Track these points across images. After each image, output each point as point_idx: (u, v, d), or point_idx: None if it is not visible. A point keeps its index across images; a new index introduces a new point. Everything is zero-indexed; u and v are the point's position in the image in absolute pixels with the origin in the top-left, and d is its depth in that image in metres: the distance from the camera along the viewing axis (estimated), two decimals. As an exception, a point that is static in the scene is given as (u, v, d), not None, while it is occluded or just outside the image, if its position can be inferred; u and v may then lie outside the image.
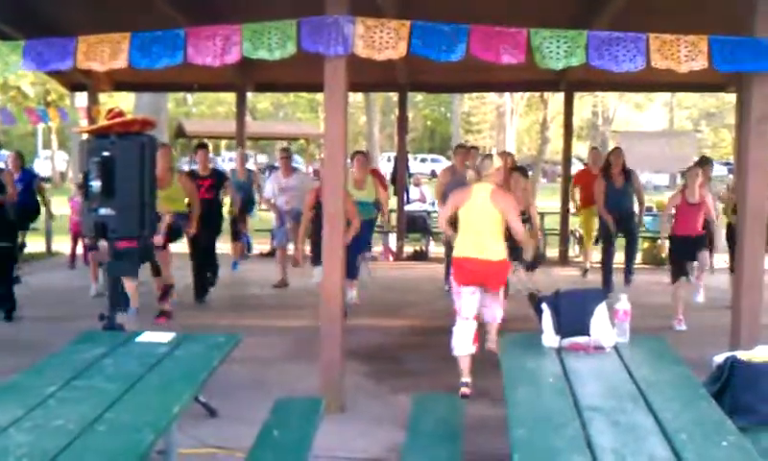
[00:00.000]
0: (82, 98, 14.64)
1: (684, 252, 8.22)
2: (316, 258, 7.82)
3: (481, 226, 5.79)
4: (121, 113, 5.42)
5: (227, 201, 11.05)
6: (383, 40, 5.09)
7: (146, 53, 5.19)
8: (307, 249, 8.37)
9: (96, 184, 5.07)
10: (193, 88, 16.38)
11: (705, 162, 9.76)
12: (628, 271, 10.12)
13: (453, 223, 6.07)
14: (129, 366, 3.71)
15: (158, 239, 7.59)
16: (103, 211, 5.12)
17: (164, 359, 3.84)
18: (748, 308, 5.36)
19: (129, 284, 6.96)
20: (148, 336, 4.25)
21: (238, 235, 11.80)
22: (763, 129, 5.28)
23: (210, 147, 11.41)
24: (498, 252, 5.82)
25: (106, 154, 5.11)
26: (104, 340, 4.26)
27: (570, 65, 5.07)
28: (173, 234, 8.07)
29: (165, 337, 4.20)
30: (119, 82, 12.68)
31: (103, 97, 13.81)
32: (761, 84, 5.24)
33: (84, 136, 5.40)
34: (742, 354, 4.07)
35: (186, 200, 8.42)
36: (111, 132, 5.21)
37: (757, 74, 5.20)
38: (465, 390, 5.75)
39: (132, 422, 2.98)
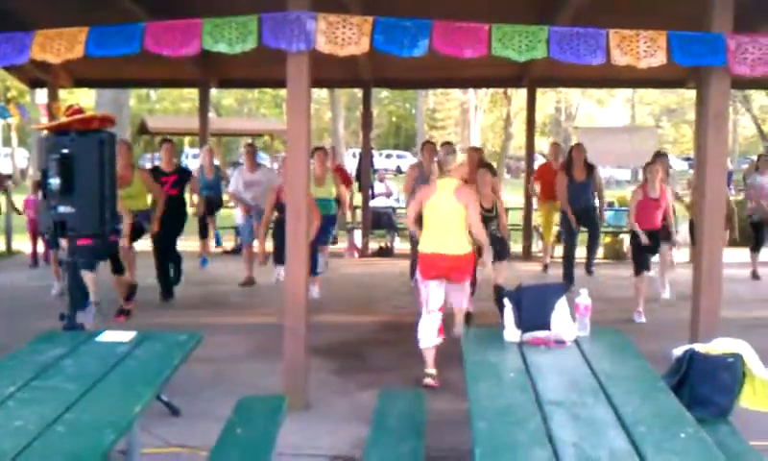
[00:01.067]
0: (42, 94, 14.42)
1: (646, 246, 8.33)
2: (278, 257, 7.83)
3: (446, 221, 5.86)
4: (80, 110, 5.34)
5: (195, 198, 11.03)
6: (345, 36, 5.09)
7: (103, 43, 5.13)
8: (270, 247, 8.36)
9: (55, 182, 5.00)
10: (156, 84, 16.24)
11: (661, 156, 9.91)
12: (589, 264, 10.31)
13: (419, 219, 6.11)
14: (89, 366, 3.67)
15: (124, 242, 7.53)
16: (62, 209, 5.05)
17: (125, 358, 3.81)
18: (707, 302, 5.43)
19: (88, 276, 6.90)
20: (108, 336, 4.21)
21: (206, 232, 11.72)
22: (720, 124, 5.37)
23: (173, 142, 11.28)
24: (463, 245, 5.91)
25: (65, 151, 5.03)
26: (64, 340, 4.20)
27: (533, 58, 5.11)
28: (135, 233, 8.00)
29: (126, 336, 4.16)
30: (79, 78, 12.51)
31: (64, 93, 13.63)
32: (718, 80, 5.32)
33: (44, 133, 5.32)
34: (700, 347, 4.13)
35: (150, 197, 8.35)
36: (71, 128, 5.14)
37: (715, 71, 5.28)
38: (429, 381, 5.81)
39: (92, 422, 2.95)
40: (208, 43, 5.14)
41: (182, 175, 9.39)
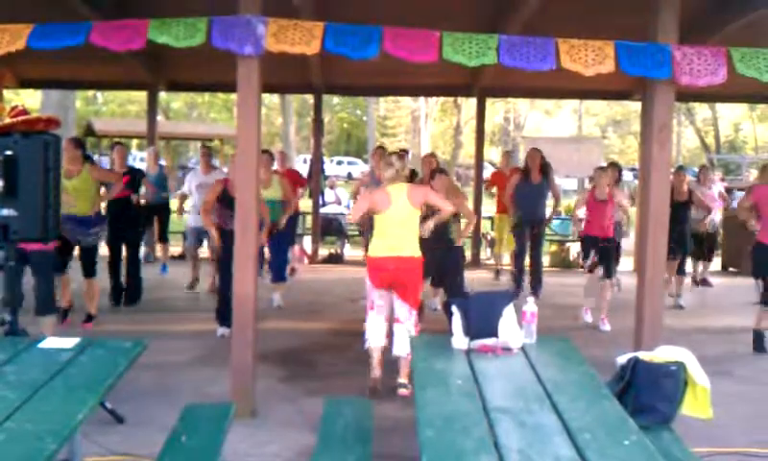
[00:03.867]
0: (-14, 95, 14.10)
1: (600, 249, 8.52)
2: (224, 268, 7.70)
3: (401, 226, 5.86)
4: (25, 111, 5.23)
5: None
6: (296, 38, 5.07)
7: (47, 35, 5.03)
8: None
9: (-3, 184, 4.89)
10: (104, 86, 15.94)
11: (611, 166, 10.11)
12: (536, 288, 9.78)
13: (365, 221, 6.09)
14: (30, 373, 3.57)
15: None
16: (5, 212, 4.94)
17: (68, 366, 3.72)
18: (650, 310, 5.53)
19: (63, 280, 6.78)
20: (51, 342, 4.11)
21: (165, 236, 11.54)
22: (664, 136, 5.48)
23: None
24: (415, 249, 5.92)
25: (8, 153, 4.92)
26: (4, 346, 4.09)
27: (483, 63, 5.13)
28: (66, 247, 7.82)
29: (69, 343, 4.07)
30: (24, 78, 12.30)
31: (9, 94, 13.34)
32: (663, 93, 5.44)
33: (-13, 135, 5.18)
34: (644, 355, 4.19)
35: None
36: (14, 130, 5.03)
37: (660, 84, 5.39)
38: (403, 391, 5.79)
39: (33, 430, 2.88)
40: (154, 35, 5.07)
41: (134, 176, 9.25)
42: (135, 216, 9.22)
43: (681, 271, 9.80)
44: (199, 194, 9.94)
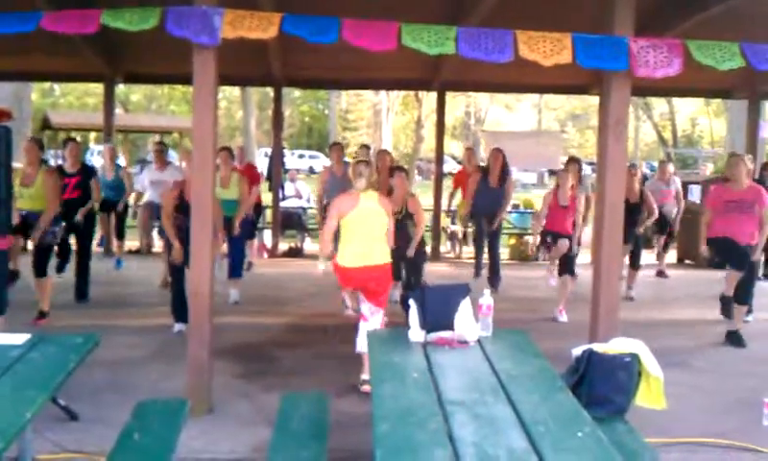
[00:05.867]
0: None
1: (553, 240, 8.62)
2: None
3: (372, 233, 5.81)
4: (-28, 102, 5.11)
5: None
6: (253, 25, 5.01)
7: None
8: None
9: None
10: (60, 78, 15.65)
11: (573, 162, 10.17)
12: (494, 280, 9.95)
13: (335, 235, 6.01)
14: (-22, 370, 3.51)
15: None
16: (-49, 206, 4.84)
17: (17, 362, 3.66)
18: (605, 303, 5.57)
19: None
20: (0, 338, 4.03)
21: (122, 232, 11.36)
22: (620, 131, 5.52)
23: (78, 140, 10.83)
24: (386, 255, 5.88)
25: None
26: (-49, 343, 4.01)
27: (442, 52, 5.10)
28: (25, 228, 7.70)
29: (19, 339, 3.99)
30: (-24, 69, 12.02)
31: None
32: (619, 88, 5.48)
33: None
34: (599, 347, 4.23)
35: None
36: (-39, 122, 4.92)
37: (616, 78, 5.42)
38: (367, 387, 5.74)
39: (-21, 429, 2.82)
40: (107, 20, 4.99)
41: (86, 175, 9.05)
42: (90, 217, 9.02)
43: (635, 265, 9.89)
44: (153, 190, 9.84)
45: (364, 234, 5.79)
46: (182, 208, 7.18)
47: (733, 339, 7.53)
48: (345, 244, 5.85)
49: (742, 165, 7.67)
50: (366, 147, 9.75)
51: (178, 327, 7.37)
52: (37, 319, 7.63)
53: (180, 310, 7.20)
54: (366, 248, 5.77)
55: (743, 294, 7.59)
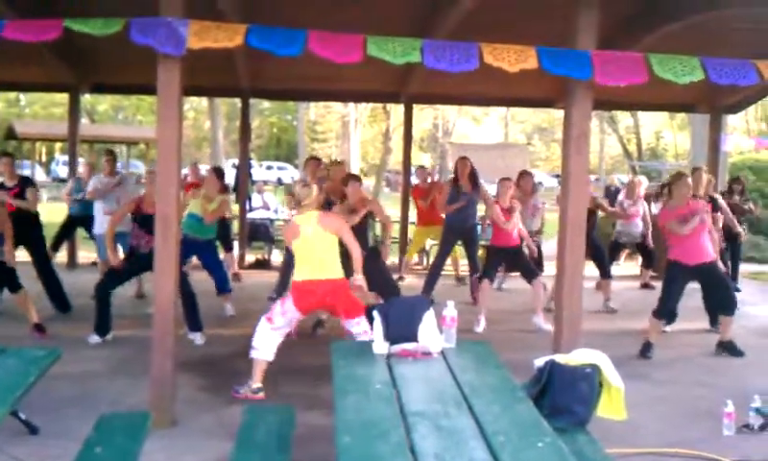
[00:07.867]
0: None
1: (500, 262, 8.89)
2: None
3: (318, 253, 5.83)
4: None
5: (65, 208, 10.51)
6: (219, 36, 5.00)
7: None
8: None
9: None
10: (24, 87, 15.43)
11: (524, 175, 10.31)
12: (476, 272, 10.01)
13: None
14: (-65, 383, 3.46)
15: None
16: None
17: (-25, 375, 3.61)
18: (568, 314, 5.63)
19: None
20: (-42, 351, 3.98)
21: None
22: (582, 144, 5.59)
23: (43, 150, 10.71)
24: (337, 270, 5.89)
25: None
26: None
27: (408, 62, 5.11)
28: None
29: (-22, 352, 3.95)
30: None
31: None
32: (581, 102, 5.55)
33: None
34: (561, 358, 4.26)
35: None
36: None
37: (578, 90, 5.49)
38: (261, 395, 5.89)
39: (-67, 443, 2.78)
40: (71, 26, 4.95)
41: (25, 185, 8.86)
42: (35, 225, 8.87)
43: (606, 275, 9.95)
44: (100, 197, 9.85)
45: (310, 257, 5.85)
46: (140, 220, 7.17)
47: (729, 349, 7.73)
48: (299, 264, 5.91)
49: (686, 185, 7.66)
50: (315, 159, 9.66)
51: (191, 336, 7.56)
52: (37, 331, 7.62)
53: (192, 317, 7.39)
54: (314, 266, 5.82)
55: (726, 304, 7.75)
